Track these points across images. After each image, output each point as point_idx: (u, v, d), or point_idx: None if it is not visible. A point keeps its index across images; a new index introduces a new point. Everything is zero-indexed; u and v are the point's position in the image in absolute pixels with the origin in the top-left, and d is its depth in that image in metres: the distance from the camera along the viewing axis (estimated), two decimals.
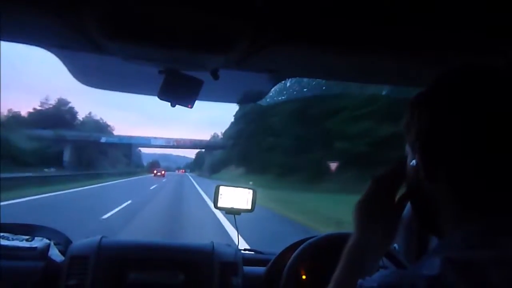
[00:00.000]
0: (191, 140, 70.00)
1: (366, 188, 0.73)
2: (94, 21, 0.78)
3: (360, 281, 0.54)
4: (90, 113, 72.90)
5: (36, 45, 0.99)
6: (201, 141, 71.91)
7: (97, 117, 77.85)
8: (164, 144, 67.93)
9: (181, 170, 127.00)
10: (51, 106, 60.41)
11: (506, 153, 0.51)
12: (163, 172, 55.99)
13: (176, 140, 69.00)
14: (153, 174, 53.64)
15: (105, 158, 56.83)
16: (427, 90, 0.61)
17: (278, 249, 1.51)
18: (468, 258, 0.46)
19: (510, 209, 0.51)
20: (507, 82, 0.54)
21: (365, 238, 0.71)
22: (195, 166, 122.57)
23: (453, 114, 0.55)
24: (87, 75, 1.23)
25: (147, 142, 66.36)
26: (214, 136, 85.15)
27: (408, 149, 0.64)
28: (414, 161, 0.61)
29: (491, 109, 0.52)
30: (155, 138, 67.33)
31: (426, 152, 0.58)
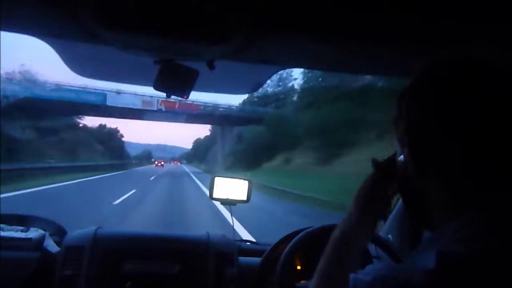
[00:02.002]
0: (194, 104, 34.11)
1: (369, 175, 0.74)
2: (89, 10, 0.77)
3: (353, 274, 0.53)
4: (23, 67, 28.07)
5: (30, 34, 0.97)
6: (216, 106, 36.16)
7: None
8: (137, 106, 31.52)
9: (175, 162, 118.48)
10: None
11: (495, 148, 0.51)
12: (162, 163, 74.48)
13: (166, 102, 31.53)
14: (154, 165, 70.00)
15: (55, 144, 29.25)
16: (413, 83, 0.60)
17: (273, 239, 1.52)
18: (462, 251, 0.47)
19: (498, 203, 0.51)
20: (495, 73, 0.53)
21: (358, 225, 0.72)
22: (193, 156, 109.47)
23: (440, 107, 0.54)
24: (82, 65, 1.22)
25: (96, 100, 29.95)
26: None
27: (396, 144, 0.64)
28: (401, 156, 0.61)
29: (479, 101, 0.51)
30: (118, 93, 30.75)
31: (415, 147, 0.57)
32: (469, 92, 0.52)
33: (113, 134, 70.04)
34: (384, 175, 0.71)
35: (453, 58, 0.57)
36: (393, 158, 0.68)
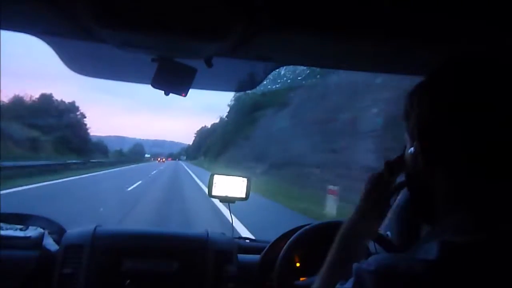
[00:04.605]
0: None
1: (375, 173, 0.76)
2: (87, 8, 0.76)
3: (355, 264, 0.55)
4: None
5: (27, 33, 0.97)
6: None
7: None
8: None
9: (168, 158, 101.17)
10: None
11: (503, 143, 0.52)
12: (163, 159, 76.53)
13: None
14: (157, 161, 68.68)
15: None
16: (428, 79, 0.61)
17: (272, 237, 1.52)
18: (464, 242, 0.47)
19: (504, 198, 0.52)
20: (508, 72, 0.54)
21: (365, 219, 0.74)
22: (197, 151, 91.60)
23: (453, 103, 0.55)
24: (80, 63, 1.21)
25: None
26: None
27: (406, 137, 0.65)
28: (412, 149, 0.62)
29: (492, 100, 0.53)
30: None
31: (425, 139, 0.59)
32: (480, 89, 0.54)
33: (64, 113, 41.78)
34: (390, 172, 0.73)
35: (467, 57, 0.58)
36: (402, 155, 0.69)
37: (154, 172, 27.18)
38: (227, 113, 55.13)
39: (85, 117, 47.65)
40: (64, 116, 41.22)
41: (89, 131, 50.11)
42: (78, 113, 45.82)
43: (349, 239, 0.74)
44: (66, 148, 34.00)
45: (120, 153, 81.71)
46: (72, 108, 44.76)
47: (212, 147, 57.08)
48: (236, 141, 38.18)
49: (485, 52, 0.58)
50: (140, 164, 51.00)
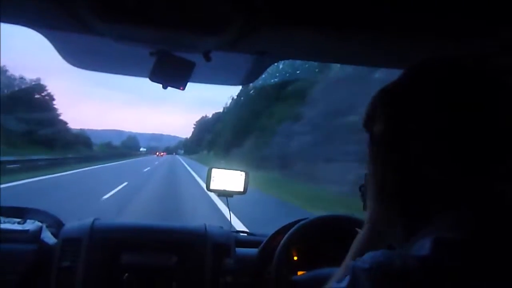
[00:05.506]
0: None
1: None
2: (85, 1, 0.76)
3: (351, 262, 0.55)
4: None
5: (25, 26, 0.96)
6: None
7: None
8: None
9: (162, 153, 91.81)
10: None
11: (502, 143, 0.52)
12: (162, 154, 77.30)
13: None
14: (155, 155, 68.37)
15: None
16: (409, 79, 0.61)
17: (270, 230, 1.53)
18: (458, 238, 0.48)
19: (492, 195, 0.52)
20: (479, 77, 0.55)
21: (383, 221, 0.73)
22: (196, 144, 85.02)
23: (450, 102, 0.55)
24: (78, 57, 1.21)
25: None
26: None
27: (394, 141, 0.64)
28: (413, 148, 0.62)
29: (488, 100, 0.53)
30: None
31: (419, 140, 0.58)
32: (476, 92, 0.54)
33: (26, 93, 33.13)
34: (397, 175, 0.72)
35: (459, 57, 0.58)
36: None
37: (121, 187, 12.51)
38: (236, 95, 43.30)
39: (54, 100, 38.27)
40: (25, 97, 32.28)
41: (61, 117, 40.51)
42: (44, 93, 36.39)
43: (365, 247, 0.73)
44: (28, 141, 27.10)
45: (108, 146, 72.22)
46: (36, 87, 35.69)
47: (219, 139, 45.22)
48: (263, 127, 25.49)
49: (476, 46, 0.58)
50: (126, 161, 37.75)
